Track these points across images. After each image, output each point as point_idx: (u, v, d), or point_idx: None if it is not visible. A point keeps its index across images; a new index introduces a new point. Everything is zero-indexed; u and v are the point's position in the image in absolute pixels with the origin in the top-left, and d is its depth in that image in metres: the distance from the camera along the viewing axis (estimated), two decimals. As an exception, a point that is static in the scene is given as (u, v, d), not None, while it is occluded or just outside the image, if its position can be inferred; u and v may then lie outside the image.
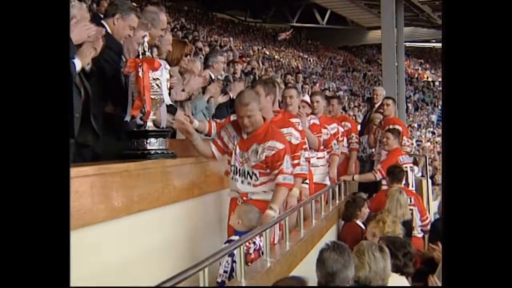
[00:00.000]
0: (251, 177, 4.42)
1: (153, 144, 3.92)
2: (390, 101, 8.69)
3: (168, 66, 4.14)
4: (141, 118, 4.01)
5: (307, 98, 6.96)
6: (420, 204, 7.80)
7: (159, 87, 3.97)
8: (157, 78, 3.97)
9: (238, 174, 4.45)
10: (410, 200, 7.57)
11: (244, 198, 4.45)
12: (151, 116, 3.99)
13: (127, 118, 4.04)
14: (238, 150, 4.44)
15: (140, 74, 3.87)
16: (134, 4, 4.80)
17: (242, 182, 4.44)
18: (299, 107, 6.27)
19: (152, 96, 3.93)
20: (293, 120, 5.45)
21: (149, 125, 3.99)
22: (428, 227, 7.51)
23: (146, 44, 4.00)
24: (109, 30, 4.20)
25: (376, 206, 7.22)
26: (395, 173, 7.61)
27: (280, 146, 4.36)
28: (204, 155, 4.53)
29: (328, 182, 7.13)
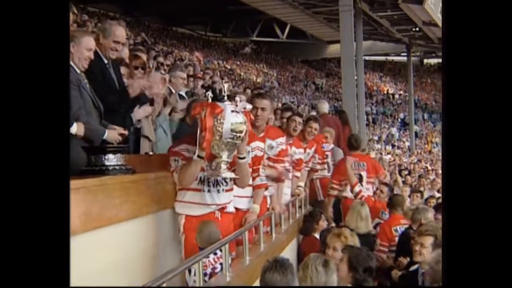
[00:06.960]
0: (223, 184, 4.46)
1: (111, 159, 3.89)
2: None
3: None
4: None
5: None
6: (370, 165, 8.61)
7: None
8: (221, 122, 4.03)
9: (213, 185, 4.46)
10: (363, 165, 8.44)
11: (225, 211, 4.55)
12: (226, 159, 4.12)
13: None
14: (205, 164, 4.38)
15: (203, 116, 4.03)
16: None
17: (219, 191, 4.46)
18: None
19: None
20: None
21: (224, 167, 4.14)
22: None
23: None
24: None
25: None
26: (351, 142, 8.74)
27: None
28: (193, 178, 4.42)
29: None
